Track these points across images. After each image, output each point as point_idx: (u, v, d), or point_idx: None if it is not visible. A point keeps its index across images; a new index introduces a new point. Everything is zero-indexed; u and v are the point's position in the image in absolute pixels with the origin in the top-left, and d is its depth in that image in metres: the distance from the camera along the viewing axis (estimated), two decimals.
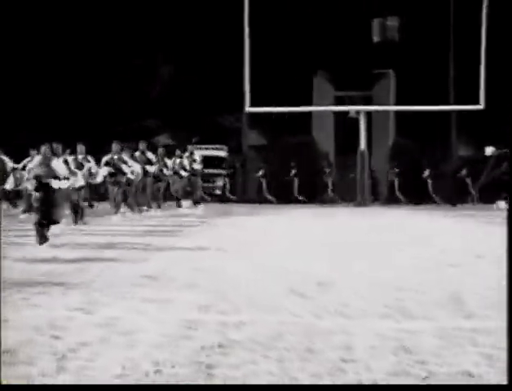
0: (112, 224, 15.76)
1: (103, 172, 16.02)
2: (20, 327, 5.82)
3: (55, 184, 11.01)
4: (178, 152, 20.08)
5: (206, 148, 27.23)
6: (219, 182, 26.32)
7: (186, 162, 19.86)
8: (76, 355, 5.04)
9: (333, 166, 25.82)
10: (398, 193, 25.13)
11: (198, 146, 27.99)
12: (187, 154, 20.23)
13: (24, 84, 28.61)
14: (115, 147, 16.51)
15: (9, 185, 12.23)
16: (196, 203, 20.13)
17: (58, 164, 11.32)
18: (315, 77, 26.89)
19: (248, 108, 24.66)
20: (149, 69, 30.89)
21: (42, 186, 10.98)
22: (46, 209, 11.00)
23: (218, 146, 27.66)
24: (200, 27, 29.23)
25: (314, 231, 14.70)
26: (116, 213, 16.69)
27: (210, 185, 25.88)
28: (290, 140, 26.71)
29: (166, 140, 32.01)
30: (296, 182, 25.47)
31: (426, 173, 24.76)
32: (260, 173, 26.08)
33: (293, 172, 25.47)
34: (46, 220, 11.00)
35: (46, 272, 8.58)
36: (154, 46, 30.03)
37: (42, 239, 10.97)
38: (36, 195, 11.03)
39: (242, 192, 27.22)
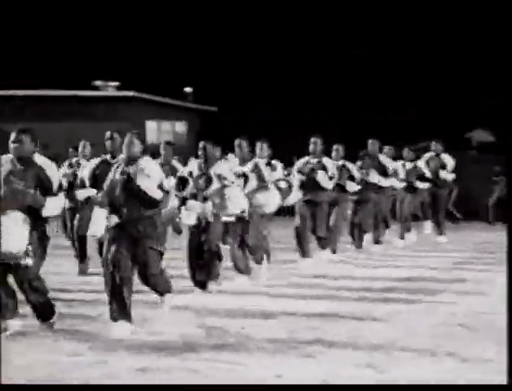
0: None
1: (296, 186, 12.71)
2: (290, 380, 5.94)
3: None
4: (407, 153, 16.67)
5: None
6: None
7: (425, 168, 16.66)
8: None
9: None
10: None
11: None
12: (428, 155, 17.17)
13: None
14: (315, 147, 13.30)
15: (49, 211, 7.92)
16: (439, 227, 17.13)
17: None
18: None
19: None
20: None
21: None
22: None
23: None
24: None
25: None
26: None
27: None
28: None
29: (485, 136, 31.47)
30: None
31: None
32: None
33: None
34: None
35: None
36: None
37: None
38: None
39: None
